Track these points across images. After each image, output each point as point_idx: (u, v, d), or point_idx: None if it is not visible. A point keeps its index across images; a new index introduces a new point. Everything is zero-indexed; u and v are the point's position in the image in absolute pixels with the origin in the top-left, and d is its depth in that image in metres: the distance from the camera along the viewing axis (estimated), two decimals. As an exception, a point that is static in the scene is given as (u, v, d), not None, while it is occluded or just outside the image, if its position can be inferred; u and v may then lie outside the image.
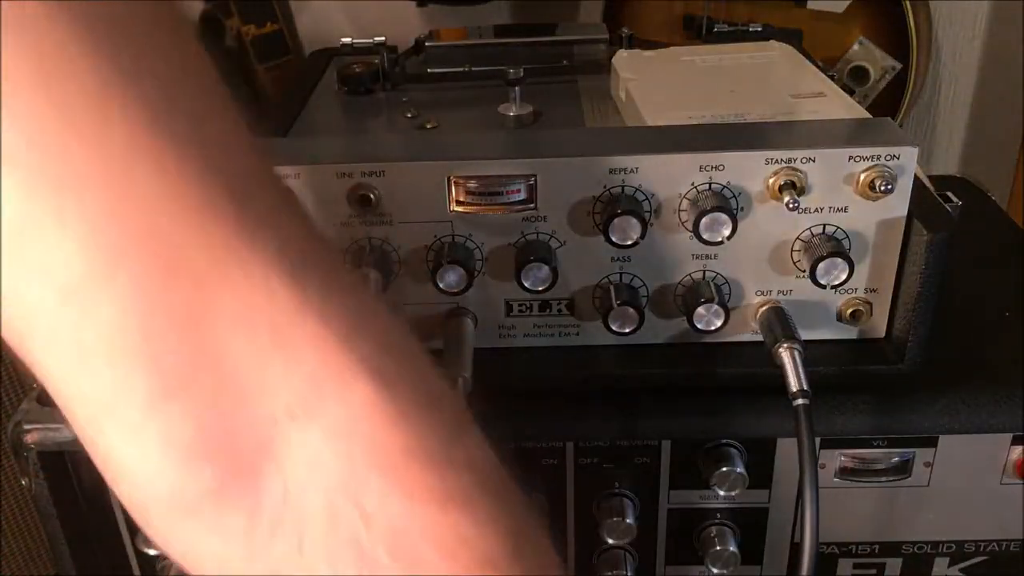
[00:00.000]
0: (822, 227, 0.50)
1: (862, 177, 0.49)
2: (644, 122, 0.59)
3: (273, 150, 0.53)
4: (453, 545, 0.28)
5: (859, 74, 1.47)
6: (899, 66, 1.46)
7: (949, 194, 0.62)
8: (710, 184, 0.49)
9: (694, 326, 0.52)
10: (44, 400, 0.53)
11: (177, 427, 0.26)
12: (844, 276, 0.49)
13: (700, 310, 0.51)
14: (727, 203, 0.49)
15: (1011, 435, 0.54)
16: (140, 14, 0.25)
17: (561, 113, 0.69)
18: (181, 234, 0.25)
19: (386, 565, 0.27)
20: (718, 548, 0.56)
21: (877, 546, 0.58)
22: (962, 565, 0.58)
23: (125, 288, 0.24)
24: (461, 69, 0.75)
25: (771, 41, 0.73)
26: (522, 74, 0.68)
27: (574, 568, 0.59)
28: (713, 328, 0.52)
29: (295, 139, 0.65)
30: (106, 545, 0.58)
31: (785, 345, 0.49)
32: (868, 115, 0.57)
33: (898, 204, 0.50)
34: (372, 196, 0.49)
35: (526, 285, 0.50)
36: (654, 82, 0.65)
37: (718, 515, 0.57)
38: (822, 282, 0.50)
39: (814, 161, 0.49)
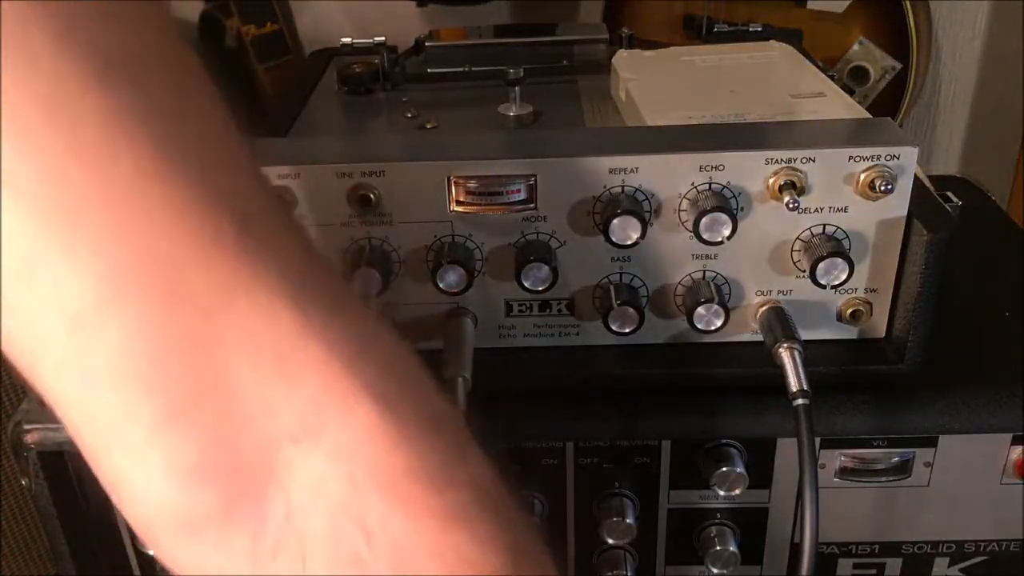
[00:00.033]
0: (822, 227, 0.50)
1: (862, 177, 0.49)
2: (644, 122, 0.59)
3: (273, 151, 0.53)
4: (454, 562, 0.28)
5: (859, 74, 1.47)
6: (899, 66, 1.46)
7: (949, 194, 0.62)
8: (710, 184, 0.49)
9: (694, 326, 0.52)
10: (44, 401, 0.53)
11: (182, 450, 0.26)
12: (844, 276, 0.49)
13: (700, 310, 0.51)
14: (727, 203, 0.49)
15: (1011, 435, 0.54)
16: (145, 46, 0.26)
17: (561, 113, 0.69)
18: (186, 262, 0.25)
19: None
20: (718, 548, 0.56)
21: (877, 546, 0.58)
22: (962, 565, 0.58)
23: (132, 316, 0.25)
24: (461, 69, 0.75)
25: (771, 41, 0.73)
26: (522, 74, 0.68)
27: (574, 568, 0.59)
28: (713, 328, 0.52)
29: (295, 139, 0.65)
30: (106, 545, 0.58)
31: (785, 345, 0.49)
32: (868, 115, 0.57)
33: (898, 204, 0.50)
34: (372, 196, 0.50)
35: (526, 285, 0.50)
36: (654, 82, 0.65)
37: (718, 515, 0.57)
38: (822, 282, 0.50)
39: (814, 161, 0.49)
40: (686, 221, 0.50)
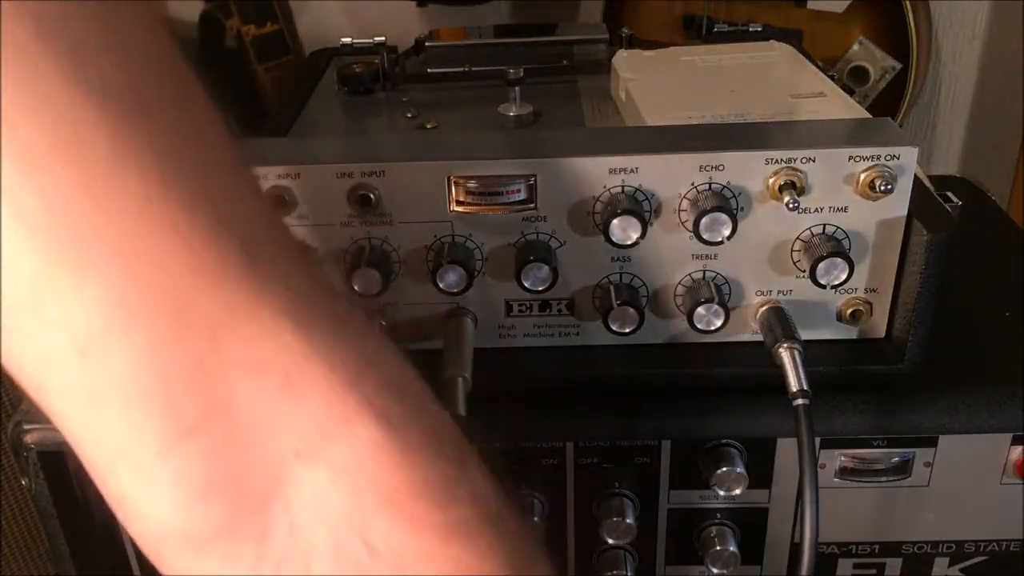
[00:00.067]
0: (822, 227, 0.50)
1: (862, 177, 0.49)
2: (644, 122, 0.59)
3: (273, 150, 0.53)
4: (455, 575, 0.29)
5: (859, 74, 1.47)
6: (899, 66, 1.46)
7: (949, 194, 0.62)
8: (710, 184, 0.49)
9: (694, 326, 0.52)
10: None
11: (189, 470, 0.27)
12: (844, 276, 0.49)
13: (700, 310, 0.51)
14: (727, 203, 0.49)
15: (1011, 435, 0.53)
16: (150, 75, 0.26)
17: (561, 113, 0.69)
18: (194, 287, 0.26)
19: None
20: (718, 548, 0.56)
21: (877, 546, 0.58)
22: (962, 565, 0.58)
23: (140, 340, 0.25)
24: (461, 69, 0.75)
25: (771, 41, 0.73)
26: (522, 74, 0.68)
27: (574, 568, 0.59)
28: (713, 328, 0.52)
29: (295, 139, 0.65)
30: (106, 545, 0.58)
31: (785, 345, 0.49)
32: (868, 115, 0.57)
33: (898, 204, 0.50)
34: (372, 196, 0.50)
35: (526, 285, 0.50)
36: (654, 82, 0.65)
37: (718, 515, 0.57)
38: (822, 282, 0.50)
39: (814, 161, 0.49)
40: (686, 221, 0.50)
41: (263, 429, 0.27)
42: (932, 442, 0.54)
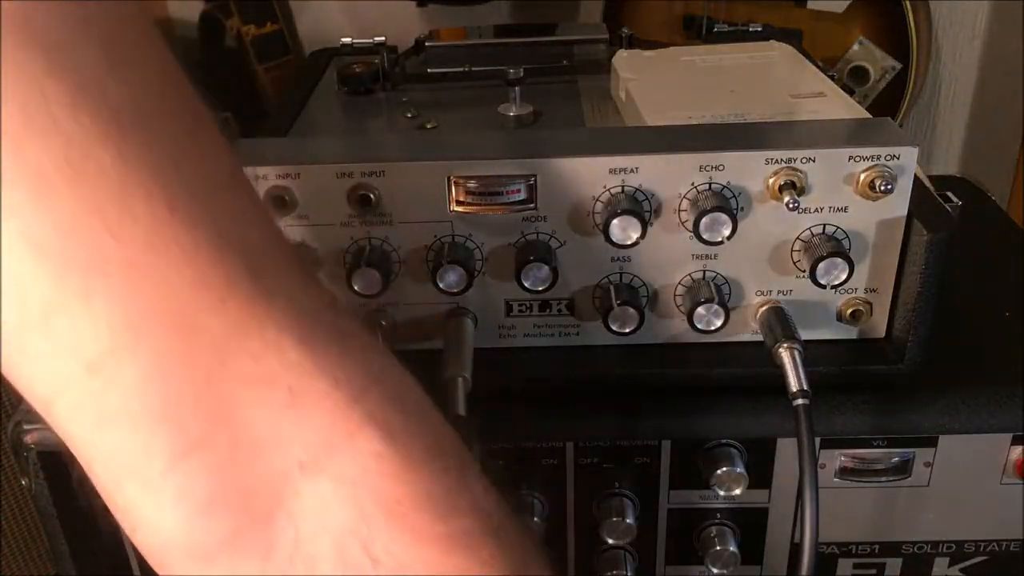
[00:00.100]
0: (822, 227, 0.50)
1: (862, 177, 0.49)
2: (644, 122, 0.59)
3: (273, 151, 0.53)
4: None
5: (859, 74, 1.47)
6: (899, 66, 1.46)
7: (949, 194, 0.62)
8: (710, 184, 0.49)
9: (694, 326, 0.52)
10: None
11: (195, 483, 0.27)
12: (844, 276, 0.49)
13: (700, 310, 0.51)
14: (727, 203, 0.49)
15: (1011, 435, 0.53)
16: (155, 99, 0.27)
17: (561, 113, 0.69)
18: (200, 306, 0.26)
19: None
20: (718, 548, 0.56)
21: (877, 546, 0.58)
22: (962, 565, 0.58)
23: (147, 359, 0.26)
24: (461, 69, 0.75)
25: (771, 41, 0.73)
26: (522, 74, 0.68)
27: (574, 568, 0.59)
28: (713, 328, 0.52)
29: (295, 139, 0.65)
30: (106, 545, 0.58)
31: (785, 345, 0.49)
32: (868, 115, 0.57)
33: (898, 204, 0.50)
34: (372, 196, 0.50)
35: (526, 285, 0.50)
36: (654, 82, 0.65)
37: (718, 515, 0.57)
38: (822, 282, 0.50)
39: (814, 161, 0.49)
40: (686, 221, 0.50)
41: (267, 444, 0.27)
42: (932, 442, 0.54)
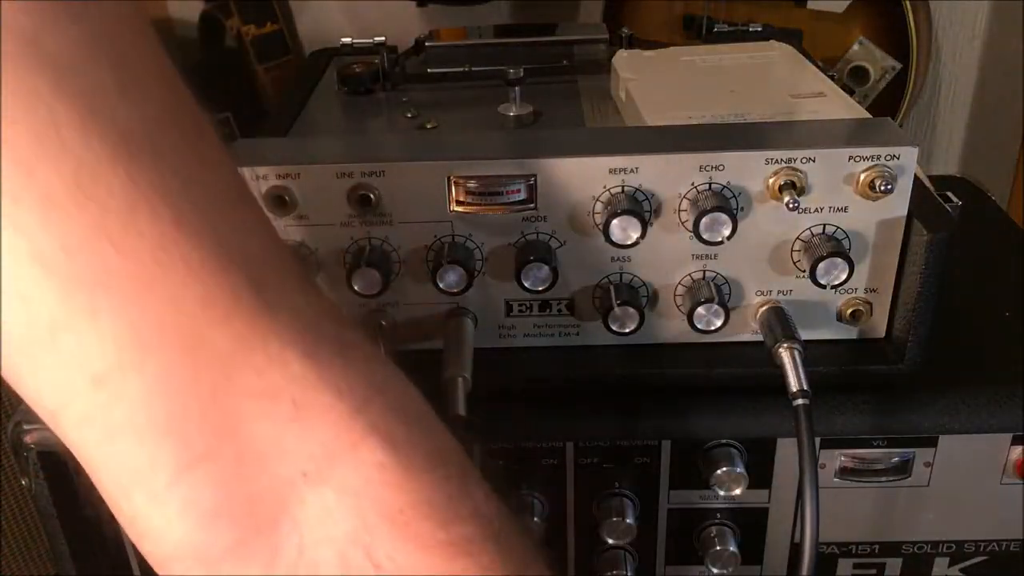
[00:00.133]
0: (822, 227, 0.50)
1: (862, 177, 0.49)
2: (644, 122, 0.59)
3: (273, 151, 0.53)
4: None
5: (859, 74, 1.47)
6: (899, 66, 1.46)
7: (949, 194, 0.62)
8: (710, 184, 0.49)
9: (694, 326, 0.52)
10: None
11: (200, 494, 0.28)
12: (844, 276, 0.49)
13: (700, 310, 0.51)
14: (727, 203, 0.49)
15: (1011, 435, 0.54)
16: (162, 119, 0.27)
17: (561, 113, 0.69)
18: (205, 322, 0.27)
19: None
20: (718, 548, 0.56)
21: (877, 546, 0.58)
22: (962, 565, 0.58)
23: (154, 373, 0.26)
24: (461, 69, 0.75)
25: (771, 41, 0.73)
26: (522, 74, 0.68)
27: (574, 568, 0.59)
28: (713, 328, 0.52)
29: (295, 139, 0.65)
30: (106, 545, 0.58)
31: (785, 345, 0.49)
32: (868, 115, 0.57)
33: (898, 204, 0.50)
34: (372, 196, 0.50)
35: (526, 285, 0.50)
36: (654, 82, 0.65)
37: (718, 515, 0.57)
38: (822, 282, 0.50)
39: (814, 161, 0.49)
40: (686, 221, 0.50)
41: (272, 455, 0.28)
42: (932, 442, 0.54)
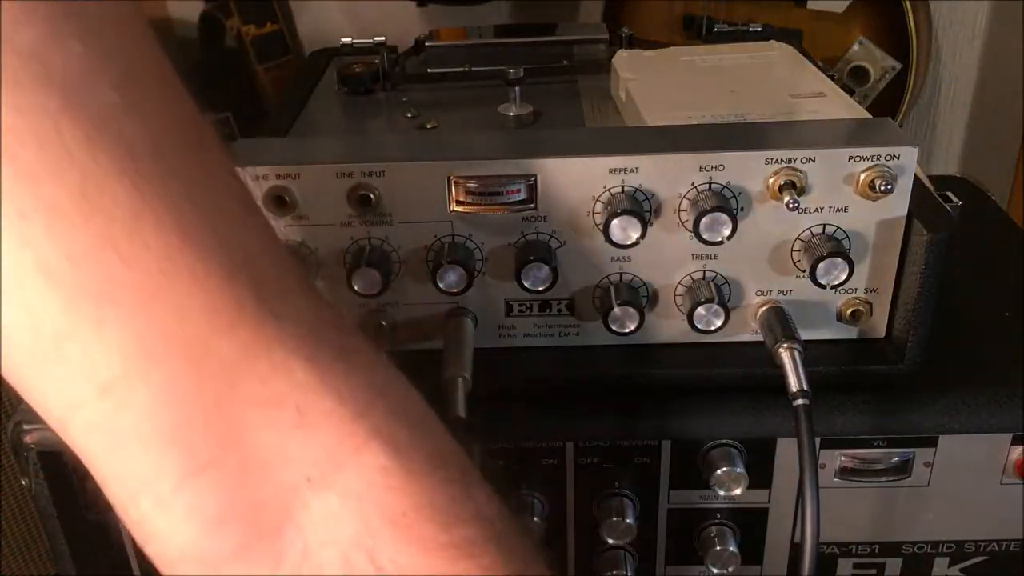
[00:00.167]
0: (822, 227, 0.50)
1: (862, 177, 0.49)
2: (644, 122, 0.59)
3: (273, 151, 0.53)
4: None
5: (859, 74, 1.47)
6: (899, 66, 1.46)
7: (949, 194, 0.62)
8: (710, 184, 0.49)
9: (694, 326, 0.52)
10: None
11: (205, 500, 0.28)
12: (844, 276, 0.49)
13: (700, 310, 0.51)
14: (727, 203, 0.49)
15: (1011, 435, 0.53)
16: (167, 133, 0.27)
17: (561, 113, 0.69)
18: (210, 331, 0.27)
19: None
20: (718, 548, 0.56)
21: (877, 546, 0.58)
22: (962, 565, 0.58)
23: (159, 383, 0.27)
24: (461, 69, 0.75)
25: (771, 41, 0.73)
26: (522, 74, 0.68)
27: (574, 568, 0.59)
28: (713, 328, 0.52)
29: (295, 139, 0.65)
30: (106, 545, 0.58)
31: (785, 345, 0.49)
32: (868, 115, 0.57)
33: (898, 204, 0.50)
34: (372, 196, 0.50)
35: (526, 285, 0.50)
36: (654, 82, 0.65)
37: (718, 515, 0.57)
38: (822, 282, 0.50)
39: (814, 161, 0.49)
40: (686, 221, 0.50)
41: (276, 462, 0.28)
42: (932, 442, 0.54)
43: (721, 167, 0.49)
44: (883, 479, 0.55)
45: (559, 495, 0.56)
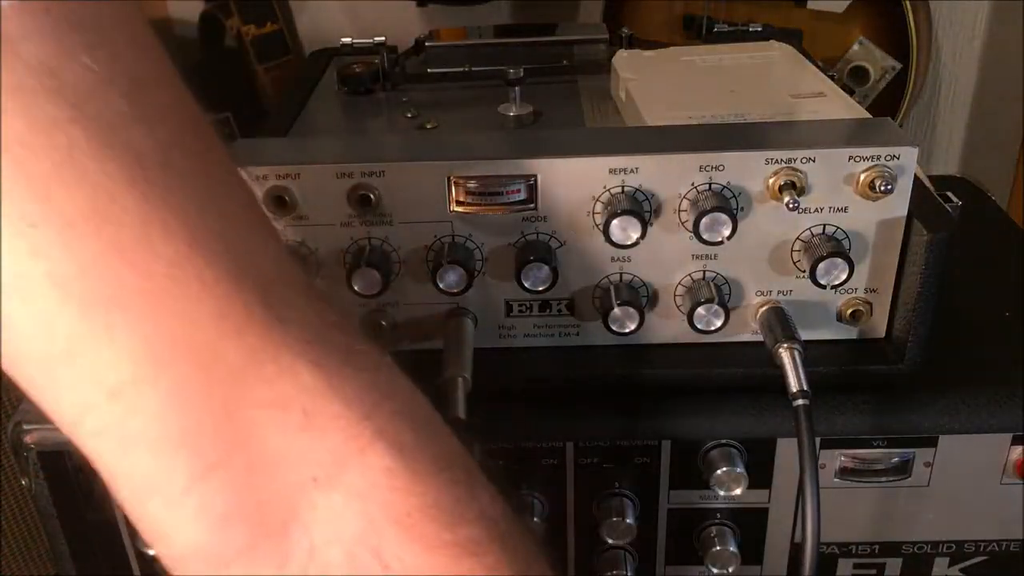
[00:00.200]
0: (822, 227, 0.50)
1: (862, 177, 0.49)
2: (644, 122, 0.59)
3: (273, 151, 0.53)
4: None
5: (859, 74, 1.47)
6: (899, 66, 1.46)
7: (949, 194, 0.62)
8: (710, 184, 0.49)
9: (694, 326, 0.52)
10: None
11: (213, 499, 0.28)
12: (844, 276, 0.49)
13: (700, 310, 0.51)
14: (727, 203, 0.49)
15: (1011, 435, 0.53)
16: (176, 143, 0.28)
17: (561, 113, 0.69)
18: (218, 336, 0.27)
19: None
20: (718, 548, 0.56)
21: (877, 546, 0.58)
22: (962, 565, 0.58)
23: (168, 387, 0.27)
24: (461, 69, 0.75)
25: (771, 41, 0.73)
26: (522, 74, 0.68)
27: (574, 568, 0.59)
28: (713, 328, 0.52)
29: (295, 139, 0.65)
30: (106, 545, 0.58)
31: (785, 345, 0.49)
32: (868, 115, 0.57)
33: (898, 204, 0.50)
34: (372, 196, 0.50)
35: (526, 285, 0.50)
36: (654, 82, 0.65)
37: (718, 515, 0.57)
38: (822, 282, 0.50)
39: (814, 161, 0.49)
40: (686, 221, 0.50)
41: (283, 463, 0.29)
42: (932, 442, 0.54)
43: (721, 167, 0.49)
44: (883, 479, 0.55)
45: (559, 495, 0.56)
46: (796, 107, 0.59)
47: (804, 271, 0.51)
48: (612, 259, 0.52)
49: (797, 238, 0.51)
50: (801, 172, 0.49)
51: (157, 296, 0.26)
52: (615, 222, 0.48)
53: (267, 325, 0.28)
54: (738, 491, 0.54)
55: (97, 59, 0.26)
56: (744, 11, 1.43)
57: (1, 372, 0.28)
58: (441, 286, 0.50)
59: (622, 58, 0.70)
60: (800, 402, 0.47)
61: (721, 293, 0.52)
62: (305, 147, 0.55)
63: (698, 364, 0.54)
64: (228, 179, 0.30)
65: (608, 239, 0.49)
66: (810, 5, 1.44)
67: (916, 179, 0.50)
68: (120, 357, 0.26)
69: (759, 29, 0.82)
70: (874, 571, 0.59)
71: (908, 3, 1.41)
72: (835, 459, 0.55)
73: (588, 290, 0.53)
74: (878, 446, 0.54)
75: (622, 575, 0.57)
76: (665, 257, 0.52)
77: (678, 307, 0.53)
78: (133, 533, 0.57)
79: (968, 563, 0.58)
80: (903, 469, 0.55)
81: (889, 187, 0.48)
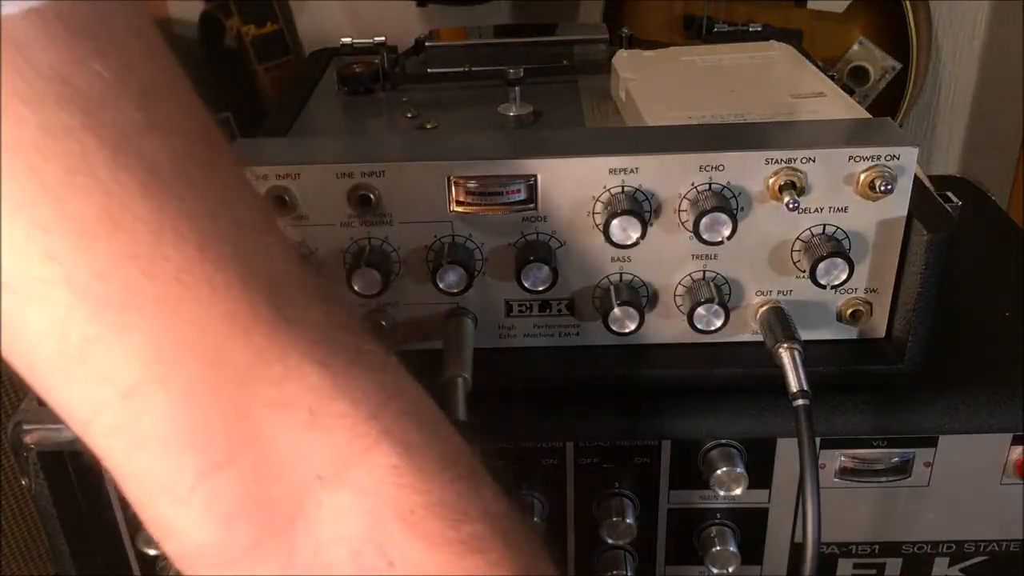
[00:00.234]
0: (822, 227, 0.50)
1: (862, 177, 0.49)
2: (644, 122, 0.59)
3: (273, 151, 0.53)
4: None
5: (859, 74, 1.47)
6: (899, 66, 1.46)
7: (949, 194, 0.62)
8: (710, 184, 0.49)
9: (694, 326, 0.52)
10: (45, 401, 0.53)
11: (221, 497, 0.29)
12: (844, 276, 0.49)
13: (700, 310, 0.51)
14: (727, 203, 0.49)
15: (1011, 435, 0.54)
16: (190, 152, 0.28)
17: (561, 113, 0.69)
18: (227, 338, 0.28)
19: None
20: (718, 548, 0.56)
21: (877, 546, 0.58)
22: (962, 565, 0.58)
23: (179, 387, 0.28)
24: (461, 69, 0.75)
25: (771, 41, 0.73)
26: (522, 74, 0.68)
27: (574, 568, 0.59)
28: (713, 328, 0.52)
29: (295, 139, 0.65)
30: (106, 545, 0.58)
31: (785, 345, 0.49)
32: (868, 115, 0.57)
33: (898, 204, 0.50)
34: (372, 196, 0.50)
35: (526, 285, 0.50)
36: (654, 82, 0.65)
37: (718, 515, 0.57)
38: (822, 282, 0.50)
39: (814, 161, 0.49)
40: (686, 221, 0.50)
41: (289, 461, 0.29)
42: (932, 442, 0.54)
43: (721, 167, 0.49)
44: (883, 479, 0.55)
45: (559, 495, 0.56)
46: (796, 107, 0.59)
47: (804, 271, 0.51)
48: (612, 259, 0.52)
49: (797, 238, 0.51)
50: (801, 172, 0.49)
51: (168, 300, 0.27)
52: (615, 222, 0.48)
53: (274, 326, 0.29)
54: (738, 491, 0.54)
55: (109, 67, 0.26)
56: (744, 11, 1.43)
57: (1, 372, 0.28)
58: (441, 286, 0.50)
59: (622, 58, 0.70)
60: (800, 402, 0.47)
61: (721, 293, 0.52)
62: (305, 147, 0.55)
63: (698, 364, 0.54)
64: (236, 183, 0.30)
65: (608, 239, 0.49)
66: (810, 5, 1.44)
67: (916, 179, 0.50)
68: (132, 358, 0.27)
69: (759, 29, 0.82)
70: (874, 571, 0.59)
71: (908, 3, 1.41)
72: (835, 459, 0.55)
73: (588, 290, 0.53)
74: (878, 446, 0.54)
75: (622, 575, 0.57)
76: (665, 257, 0.52)
77: (678, 307, 0.53)
78: (133, 533, 0.57)
79: (968, 563, 0.58)
80: (903, 469, 0.55)
81: (889, 187, 0.48)
